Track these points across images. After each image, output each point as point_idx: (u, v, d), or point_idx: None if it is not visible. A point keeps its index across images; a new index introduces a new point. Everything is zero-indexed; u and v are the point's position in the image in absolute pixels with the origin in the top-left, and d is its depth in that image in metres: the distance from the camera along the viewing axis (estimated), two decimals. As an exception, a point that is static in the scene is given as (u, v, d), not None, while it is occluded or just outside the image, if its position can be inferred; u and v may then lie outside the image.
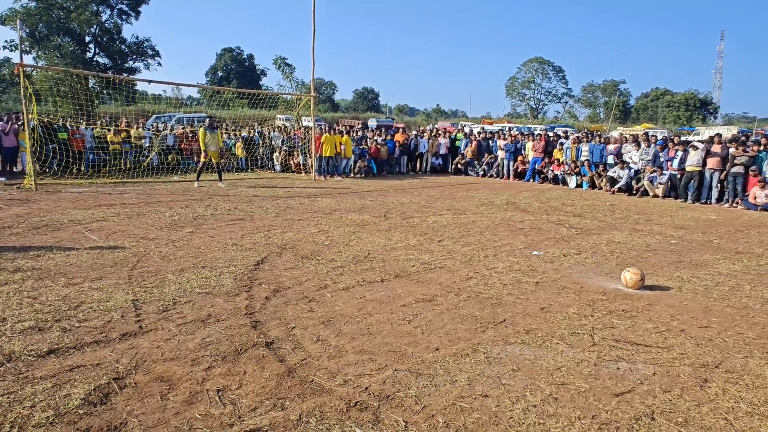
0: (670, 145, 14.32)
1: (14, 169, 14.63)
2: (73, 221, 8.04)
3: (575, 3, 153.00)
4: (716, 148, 12.83)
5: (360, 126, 28.93)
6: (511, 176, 17.74)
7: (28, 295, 4.59)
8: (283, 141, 18.31)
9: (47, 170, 14.19)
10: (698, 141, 14.86)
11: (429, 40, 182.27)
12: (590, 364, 3.65)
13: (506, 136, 18.95)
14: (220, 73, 62.23)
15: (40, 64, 30.68)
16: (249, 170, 17.64)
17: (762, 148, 12.57)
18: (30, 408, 2.86)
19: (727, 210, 11.98)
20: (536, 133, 20.76)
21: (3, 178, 13.13)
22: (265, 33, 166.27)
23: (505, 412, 3.00)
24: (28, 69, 20.90)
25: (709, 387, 3.38)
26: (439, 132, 22.09)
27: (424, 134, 20.93)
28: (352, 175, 17.21)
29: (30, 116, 12.12)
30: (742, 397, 3.26)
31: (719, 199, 12.81)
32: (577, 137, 17.81)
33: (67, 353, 3.54)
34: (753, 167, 12.27)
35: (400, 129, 25.75)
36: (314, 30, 15.05)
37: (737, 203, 12.34)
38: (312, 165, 16.33)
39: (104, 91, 30.09)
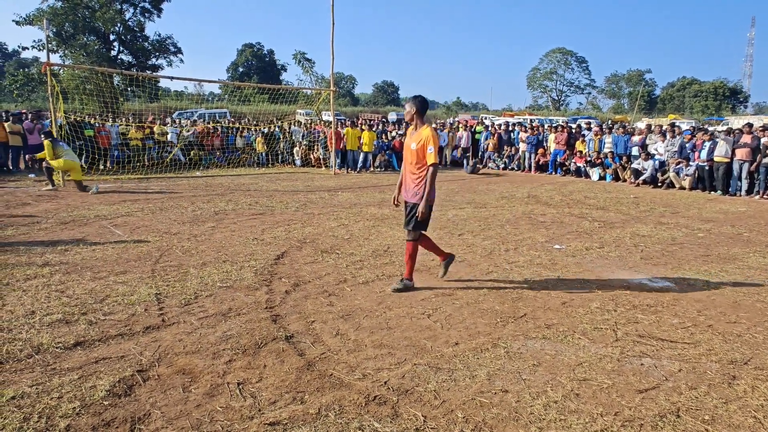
0: (698, 135, 13.94)
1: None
2: (99, 216, 8.22)
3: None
4: (746, 138, 12.45)
5: (380, 120, 28.88)
6: (533, 169, 17.52)
7: (55, 289, 4.71)
8: (303, 135, 18.40)
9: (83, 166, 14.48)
10: (725, 130, 14.41)
11: (449, 32, 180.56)
12: (613, 360, 3.58)
13: (527, 129, 18.71)
14: (240, 69, 62.69)
15: (66, 63, 31.33)
16: (269, 165, 17.78)
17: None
18: (57, 399, 2.93)
19: (757, 202, 11.62)
20: (557, 124, 20.42)
21: (32, 175, 13.49)
22: (285, 28, 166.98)
23: (525, 407, 2.96)
24: (55, 68, 21.35)
25: (738, 384, 3.28)
26: (460, 125, 21.93)
27: (444, 128, 20.79)
28: (372, 169, 17.20)
29: (57, 114, 12.41)
30: (772, 394, 3.16)
31: (749, 191, 12.44)
32: (600, 129, 17.48)
33: (93, 345, 3.62)
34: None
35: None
36: (333, 24, 15.06)
37: (768, 195, 11.96)
38: (333, 159, 16.37)
39: (128, 89, 30.56)
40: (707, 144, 13.15)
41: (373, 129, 18.39)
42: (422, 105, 4.83)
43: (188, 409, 2.89)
